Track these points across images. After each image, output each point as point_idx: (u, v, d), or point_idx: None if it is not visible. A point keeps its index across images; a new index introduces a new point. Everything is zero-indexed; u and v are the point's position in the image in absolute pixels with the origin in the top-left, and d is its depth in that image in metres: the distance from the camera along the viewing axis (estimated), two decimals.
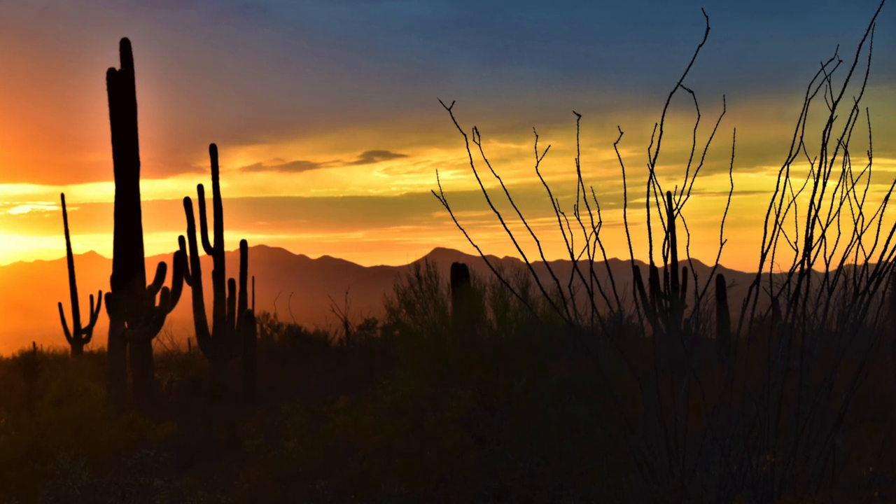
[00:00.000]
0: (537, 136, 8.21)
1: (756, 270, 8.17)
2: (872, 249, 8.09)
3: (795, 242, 8.07)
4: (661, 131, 7.97)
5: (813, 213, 8.03)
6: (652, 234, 8.26)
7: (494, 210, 8.26)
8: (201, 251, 27.14)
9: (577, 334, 8.54)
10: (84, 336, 31.50)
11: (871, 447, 8.47)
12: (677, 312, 27.19)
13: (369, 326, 32.74)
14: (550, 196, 8.27)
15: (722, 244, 8.28)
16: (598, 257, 8.38)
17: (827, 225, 8.07)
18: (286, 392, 21.89)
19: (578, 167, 8.38)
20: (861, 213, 8.12)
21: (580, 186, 8.21)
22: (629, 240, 8.31)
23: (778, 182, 7.98)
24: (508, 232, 8.44)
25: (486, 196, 8.35)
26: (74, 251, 31.43)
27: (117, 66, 24.91)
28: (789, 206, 8.04)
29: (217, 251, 27.36)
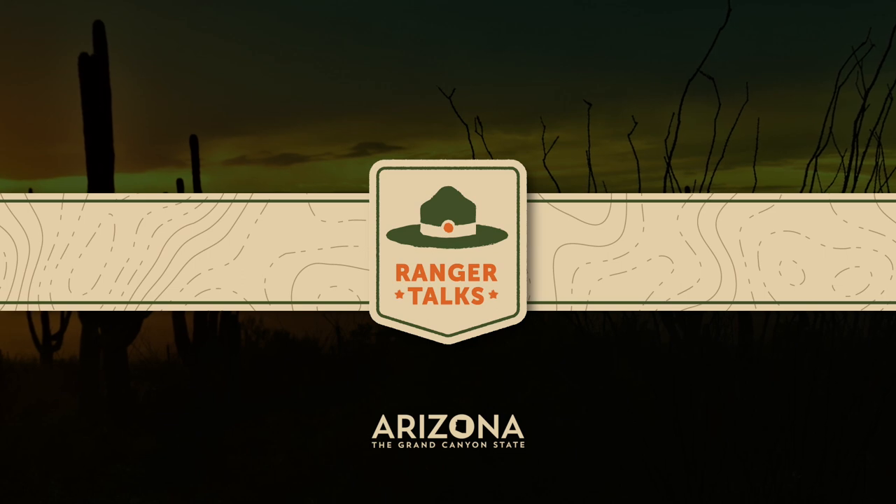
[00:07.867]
0: (545, 126, 8.23)
1: None
2: None
3: None
4: (679, 121, 7.99)
5: None
6: None
7: None
8: None
9: (588, 340, 8.56)
10: (54, 343, 31.52)
11: None
12: (696, 317, 27.24)
13: (363, 332, 32.81)
14: (559, 191, 8.29)
15: None
16: None
17: None
18: (273, 403, 21.94)
19: (589, 160, 8.40)
20: None
21: (591, 181, 8.23)
22: None
23: (805, 176, 8.00)
24: None
25: None
26: None
27: (90, 51, 24.93)
28: None
29: None
